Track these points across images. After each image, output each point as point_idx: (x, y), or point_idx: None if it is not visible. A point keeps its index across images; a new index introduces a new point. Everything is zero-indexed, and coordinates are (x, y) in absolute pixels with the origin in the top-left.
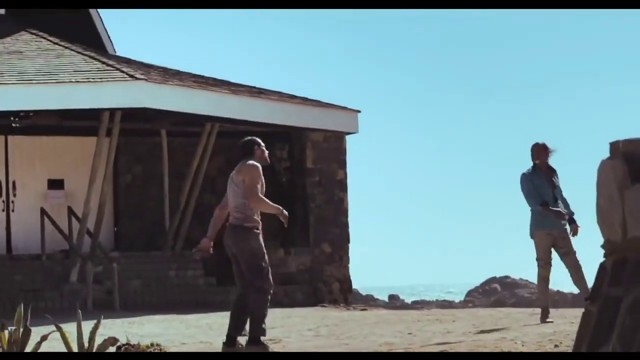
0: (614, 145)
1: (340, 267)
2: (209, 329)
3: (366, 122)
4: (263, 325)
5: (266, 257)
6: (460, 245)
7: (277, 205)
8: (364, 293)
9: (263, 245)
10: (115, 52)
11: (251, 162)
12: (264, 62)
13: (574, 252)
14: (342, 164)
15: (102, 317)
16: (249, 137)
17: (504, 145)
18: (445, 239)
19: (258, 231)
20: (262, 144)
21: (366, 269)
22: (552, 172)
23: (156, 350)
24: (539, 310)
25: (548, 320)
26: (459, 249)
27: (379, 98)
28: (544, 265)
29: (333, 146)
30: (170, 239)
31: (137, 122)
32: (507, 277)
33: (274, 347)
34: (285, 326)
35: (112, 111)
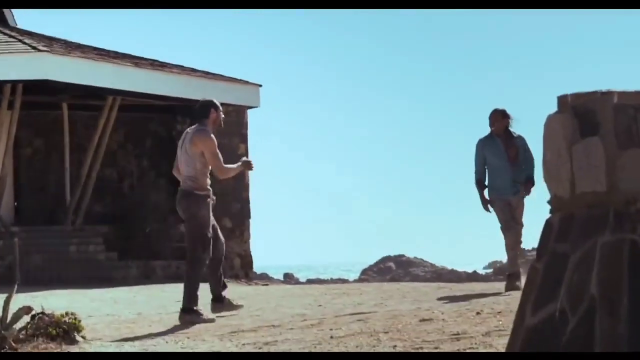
0: (562, 100)
1: (241, 242)
2: (114, 302)
3: (267, 96)
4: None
5: (211, 227)
6: (357, 224)
7: (238, 165)
8: (258, 272)
9: (211, 214)
10: (17, 25)
11: (203, 131)
12: (166, 35)
13: (519, 225)
14: (244, 138)
15: (13, 288)
16: (208, 99)
17: (404, 116)
18: (341, 218)
19: (209, 199)
20: (220, 107)
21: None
22: (511, 138)
23: (71, 319)
24: (444, 284)
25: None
26: (356, 228)
27: (280, 72)
28: (503, 230)
29: (234, 120)
30: (71, 213)
31: (39, 94)
32: (402, 255)
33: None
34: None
35: (14, 84)
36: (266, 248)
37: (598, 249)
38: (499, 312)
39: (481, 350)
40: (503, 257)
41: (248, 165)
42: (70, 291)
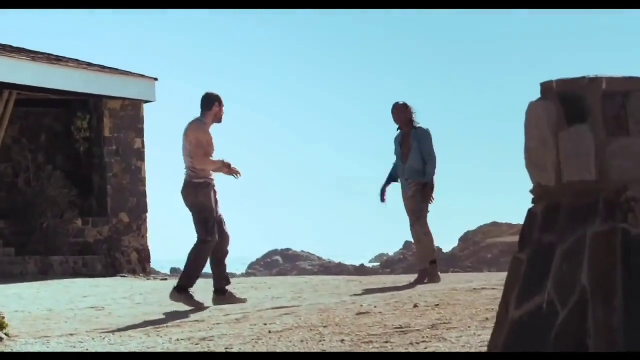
0: (546, 86)
1: (138, 237)
2: (19, 298)
3: (163, 90)
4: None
5: (214, 212)
6: (242, 217)
7: (219, 161)
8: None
9: (212, 200)
10: None
11: (198, 122)
12: (62, 29)
13: (414, 221)
14: (140, 133)
15: None
16: (212, 92)
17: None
18: (227, 211)
19: (209, 187)
20: (223, 102)
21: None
22: (412, 132)
23: None
24: (353, 277)
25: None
26: (241, 222)
27: (177, 66)
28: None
29: (130, 114)
30: None
31: None
32: (288, 249)
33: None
34: (98, 295)
35: None
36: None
37: (588, 239)
38: (437, 305)
39: (435, 343)
40: (390, 250)
41: (227, 168)
42: None
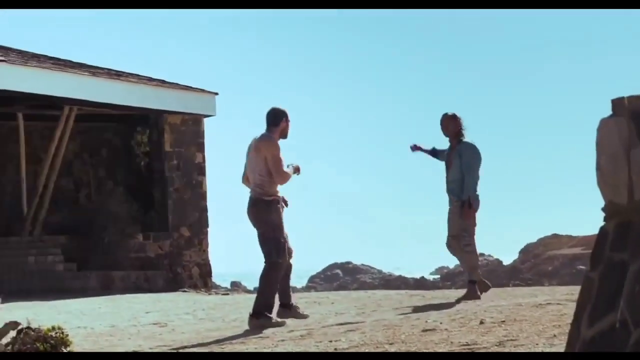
0: (617, 103)
1: (199, 251)
2: (81, 313)
3: (223, 105)
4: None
5: (284, 232)
6: (303, 230)
7: (292, 169)
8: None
9: (282, 219)
10: None
11: (268, 138)
12: (123, 44)
13: (454, 236)
14: (201, 147)
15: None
16: (279, 107)
17: (351, 122)
18: (288, 224)
19: (279, 205)
20: (289, 117)
21: (228, 251)
22: (458, 145)
23: (58, 334)
24: (416, 292)
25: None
26: (302, 234)
27: (236, 80)
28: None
29: (191, 129)
30: (28, 224)
31: None
32: (348, 262)
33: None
34: (160, 310)
35: None
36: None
37: None
38: (503, 322)
39: None
40: (450, 263)
41: (298, 170)
42: (32, 303)
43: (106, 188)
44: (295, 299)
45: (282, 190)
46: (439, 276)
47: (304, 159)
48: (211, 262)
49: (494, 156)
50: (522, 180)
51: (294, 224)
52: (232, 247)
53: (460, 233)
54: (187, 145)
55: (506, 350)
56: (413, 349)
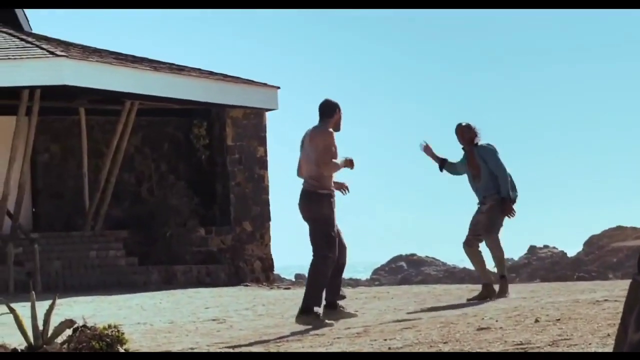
0: None
1: (261, 245)
2: (141, 309)
3: (286, 99)
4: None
5: (336, 226)
6: (368, 224)
7: (343, 161)
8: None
9: (335, 213)
10: (32, 30)
11: (324, 128)
12: (184, 39)
13: (477, 237)
14: (262, 141)
15: (57, 296)
16: (331, 99)
17: (418, 115)
18: (352, 217)
19: (332, 198)
20: (341, 109)
21: (289, 245)
22: (475, 150)
23: (114, 332)
24: (477, 286)
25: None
26: (366, 228)
27: (298, 74)
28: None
29: (253, 123)
30: (90, 219)
31: (56, 100)
32: (413, 255)
33: (233, 325)
34: (220, 306)
35: (32, 89)
36: (277, 249)
37: None
38: (558, 320)
39: None
40: (514, 255)
41: (351, 164)
42: (93, 298)
43: (167, 182)
44: (353, 294)
45: (344, 176)
46: None
47: (378, 153)
48: (273, 256)
49: (560, 149)
50: (587, 173)
51: (360, 216)
52: (296, 240)
53: (494, 229)
54: (249, 139)
55: (559, 350)
56: (467, 349)
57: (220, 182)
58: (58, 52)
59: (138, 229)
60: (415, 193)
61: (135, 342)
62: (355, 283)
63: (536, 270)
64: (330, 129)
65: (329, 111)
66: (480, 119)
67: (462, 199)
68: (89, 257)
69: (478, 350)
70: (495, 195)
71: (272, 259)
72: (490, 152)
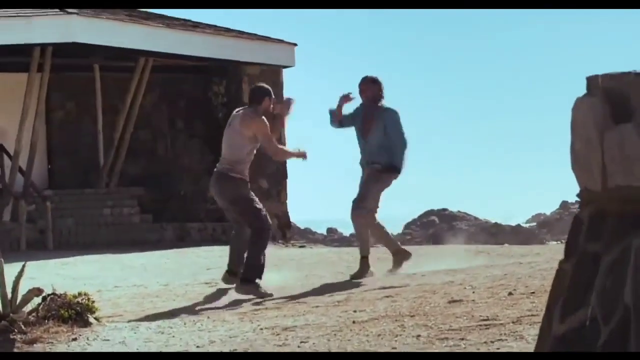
0: (591, 81)
1: (278, 203)
2: (144, 270)
3: (302, 56)
4: (261, 264)
5: (257, 201)
6: (400, 178)
7: (295, 150)
8: (302, 227)
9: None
10: None
11: (256, 115)
12: None
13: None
14: (279, 98)
15: (22, 269)
16: (262, 85)
17: (446, 70)
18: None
19: (247, 184)
20: (272, 95)
21: (305, 203)
22: (375, 111)
23: (84, 301)
24: (483, 247)
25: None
26: (398, 182)
27: (315, 30)
28: None
29: (270, 80)
30: (104, 176)
31: (69, 57)
32: (444, 209)
33: (267, 289)
34: (222, 267)
35: (43, 46)
36: (309, 203)
37: (633, 251)
38: (533, 293)
39: (510, 341)
40: (547, 210)
41: (304, 156)
42: (101, 257)
43: (182, 140)
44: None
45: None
46: (535, 224)
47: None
48: (293, 213)
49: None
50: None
51: None
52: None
53: (371, 199)
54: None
55: (521, 327)
56: (430, 323)
57: None
58: (69, 9)
59: (153, 187)
60: (448, 147)
61: (121, 307)
62: None
63: (568, 226)
64: (263, 117)
65: (259, 97)
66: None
67: (490, 156)
68: (103, 215)
69: (441, 325)
70: (382, 163)
71: (288, 217)
72: (394, 118)
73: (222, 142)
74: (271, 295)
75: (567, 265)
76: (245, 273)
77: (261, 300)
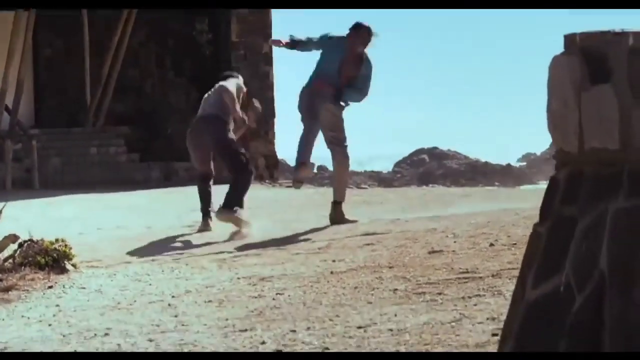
0: (569, 39)
1: (266, 142)
2: (129, 210)
3: None
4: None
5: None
6: (389, 116)
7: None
8: (294, 164)
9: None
10: None
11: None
12: None
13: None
14: (268, 38)
15: (8, 202)
16: (234, 73)
17: (440, 11)
18: (374, 110)
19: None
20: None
21: (295, 141)
22: (367, 61)
23: (61, 247)
24: (470, 190)
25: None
26: (388, 120)
27: None
28: None
29: (258, 19)
30: (91, 115)
31: None
32: (435, 148)
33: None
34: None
35: None
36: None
37: (609, 216)
38: (514, 244)
39: (488, 297)
40: (537, 150)
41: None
42: (87, 196)
43: (168, 78)
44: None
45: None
46: (525, 163)
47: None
48: (280, 153)
49: None
50: None
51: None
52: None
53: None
54: (254, 36)
55: (500, 282)
56: (409, 275)
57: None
58: None
59: (140, 126)
60: (439, 86)
61: (100, 252)
62: (377, 175)
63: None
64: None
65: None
66: None
67: (482, 95)
68: (89, 154)
69: (419, 278)
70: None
71: (276, 157)
72: (369, 71)
73: (209, 98)
74: (249, 223)
75: (542, 228)
76: (226, 202)
77: (239, 230)
